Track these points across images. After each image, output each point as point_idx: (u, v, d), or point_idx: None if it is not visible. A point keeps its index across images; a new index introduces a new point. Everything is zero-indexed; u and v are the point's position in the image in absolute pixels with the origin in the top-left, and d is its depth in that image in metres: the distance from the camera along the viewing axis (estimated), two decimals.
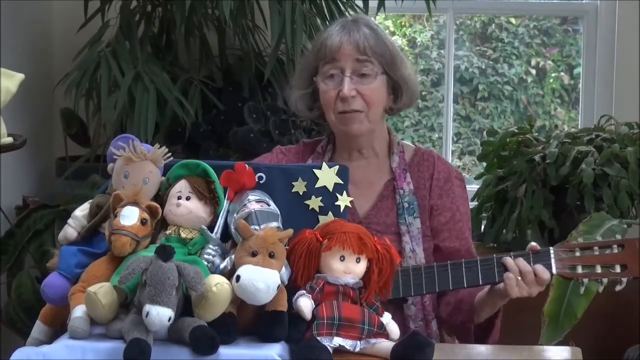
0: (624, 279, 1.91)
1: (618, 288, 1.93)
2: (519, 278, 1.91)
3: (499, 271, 1.94)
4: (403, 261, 2.05)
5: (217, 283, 1.50)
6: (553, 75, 4.41)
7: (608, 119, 3.23)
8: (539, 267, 1.92)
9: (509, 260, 1.93)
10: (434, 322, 2.10)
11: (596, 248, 1.94)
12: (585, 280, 1.94)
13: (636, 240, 1.94)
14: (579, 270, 1.93)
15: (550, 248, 1.95)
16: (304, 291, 1.60)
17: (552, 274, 1.93)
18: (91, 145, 3.27)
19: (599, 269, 1.92)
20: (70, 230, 1.69)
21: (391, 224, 2.11)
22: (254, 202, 1.65)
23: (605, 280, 1.92)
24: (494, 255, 1.96)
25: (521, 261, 1.93)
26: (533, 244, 1.98)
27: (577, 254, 1.94)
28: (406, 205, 2.11)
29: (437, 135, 4.30)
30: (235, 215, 1.64)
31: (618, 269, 1.92)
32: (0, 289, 2.98)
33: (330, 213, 1.73)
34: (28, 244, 2.88)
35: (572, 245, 1.96)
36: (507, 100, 4.44)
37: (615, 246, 1.93)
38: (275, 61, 2.95)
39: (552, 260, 1.93)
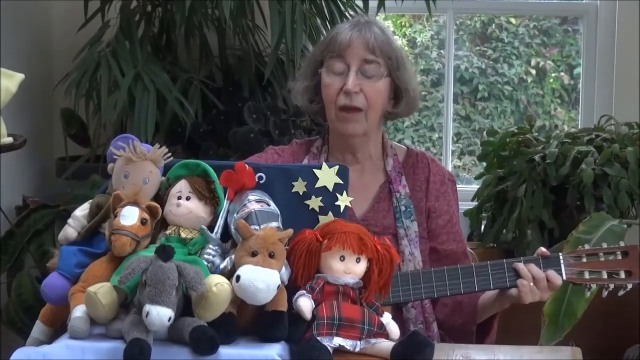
0: (629, 285, 1.94)
1: (621, 293, 1.96)
2: (532, 284, 1.93)
3: (510, 276, 1.95)
4: (402, 264, 2.06)
5: (217, 283, 1.50)
6: (553, 75, 4.40)
7: (608, 119, 3.23)
8: (552, 273, 1.94)
9: (521, 266, 1.95)
10: (435, 324, 2.10)
11: (601, 254, 1.97)
12: (593, 285, 1.96)
13: (637, 247, 1.97)
14: (586, 275, 1.96)
15: (560, 254, 1.98)
16: (304, 291, 1.60)
17: (562, 280, 1.95)
18: (91, 145, 3.27)
19: (605, 275, 1.96)
20: (70, 230, 1.69)
21: (389, 226, 2.11)
22: (254, 202, 1.65)
23: (611, 285, 1.95)
24: (504, 260, 1.97)
25: (534, 267, 1.94)
26: (542, 249, 2.00)
27: (584, 259, 1.97)
28: (403, 208, 2.11)
29: (437, 135, 4.30)
30: (235, 215, 1.64)
31: (623, 274, 1.96)
32: (0, 289, 2.98)
33: (330, 213, 1.73)
34: (28, 244, 2.88)
35: (579, 251, 2.00)
36: (507, 100, 4.44)
37: (619, 253, 1.97)
38: (275, 61, 2.95)
39: (562, 266, 1.96)
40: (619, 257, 1.96)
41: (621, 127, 3.15)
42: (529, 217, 3.01)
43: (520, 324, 2.44)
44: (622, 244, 2.01)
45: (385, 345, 1.59)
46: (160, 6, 3.20)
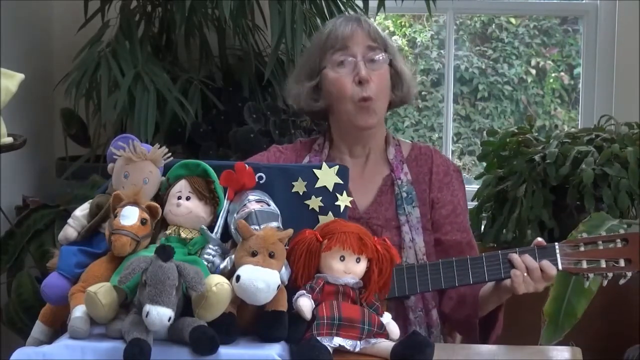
0: (629, 273, 1.92)
1: (622, 282, 1.94)
2: (525, 274, 1.92)
3: (504, 267, 1.94)
4: (403, 252, 2.06)
5: (217, 283, 1.50)
6: (553, 75, 4.41)
7: (608, 119, 3.23)
8: (546, 263, 1.93)
9: (515, 256, 1.94)
10: (435, 311, 2.09)
11: (600, 242, 1.95)
12: (591, 275, 1.94)
13: (638, 235, 1.94)
14: (584, 265, 1.94)
15: (556, 243, 1.96)
16: (304, 291, 1.60)
17: (558, 270, 1.94)
18: (91, 145, 3.27)
19: (603, 264, 1.93)
20: (70, 230, 1.68)
21: (391, 219, 2.11)
22: (254, 202, 1.65)
23: (610, 274, 1.93)
24: (499, 251, 1.96)
25: (527, 257, 1.93)
26: (539, 239, 1.98)
27: (582, 248, 1.95)
28: (404, 195, 2.12)
29: (437, 135, 4.30)
30: (235, 215, 1.64)
31: (622, 263, 1.93)
32: (0, 289, 2.98)
33: (330, 213, 1.73)
34: (28, 244, 2.88)
35: (576, 240, 1.97)
36: (507, 100, 4.44)
37: (619, 240, 1.94)
38: (275, 61, 2.95)
39: (558, 256, 1.94)
40: (619, 244, 1.93)
41: (621, 127, 3.14)
42: (529, 217, 3.01)
43: (520, 324, 2.44)
44: (621, 231, 2.00)
45: (385, 345, 1.59)
46: (160, 6, 3.20)
